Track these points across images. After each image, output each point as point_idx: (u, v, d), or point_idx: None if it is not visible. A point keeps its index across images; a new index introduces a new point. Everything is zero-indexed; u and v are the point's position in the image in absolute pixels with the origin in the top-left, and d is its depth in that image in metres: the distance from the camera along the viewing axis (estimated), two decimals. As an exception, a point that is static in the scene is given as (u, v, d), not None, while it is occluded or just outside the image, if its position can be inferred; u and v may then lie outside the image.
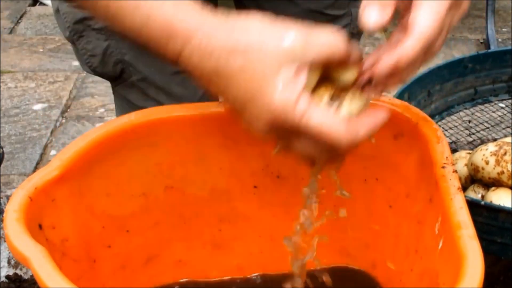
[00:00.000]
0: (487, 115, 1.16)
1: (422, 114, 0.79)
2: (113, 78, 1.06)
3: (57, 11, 1.06)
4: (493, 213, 0.85)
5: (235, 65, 0.66)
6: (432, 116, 1.09)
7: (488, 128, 1.15)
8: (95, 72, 1.06)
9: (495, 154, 0.93)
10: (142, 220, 0.82)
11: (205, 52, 0.67)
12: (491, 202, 0.91)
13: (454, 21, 0.72)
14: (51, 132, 2.25)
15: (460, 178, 0.98)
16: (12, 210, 0.67)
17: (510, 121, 1.15)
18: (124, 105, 1.08)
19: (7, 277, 1.48)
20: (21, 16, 3.03)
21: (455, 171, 0.71)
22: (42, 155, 2.14)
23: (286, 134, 0.67)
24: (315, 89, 0.68)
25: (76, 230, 0.75)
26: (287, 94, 0.65)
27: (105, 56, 1.03)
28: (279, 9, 1.11)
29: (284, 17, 1.10)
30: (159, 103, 1.02)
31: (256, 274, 0.87)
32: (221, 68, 0.67)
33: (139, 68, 1.04)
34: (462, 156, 1.01)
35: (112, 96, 1.14)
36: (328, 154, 0.68)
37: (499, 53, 1.14)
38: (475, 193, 0.96)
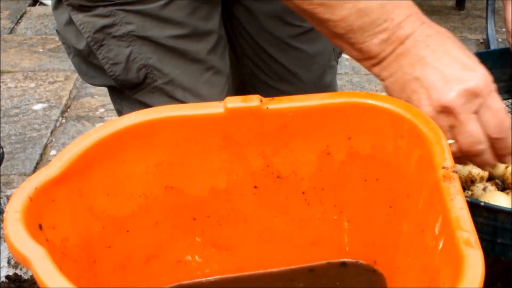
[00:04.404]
0: (487, 115, 1.16)
1: (422, 114, 0.79)
2: (135, 85, 1.05)
3: (69, 22, 1.04)
4: (493, 214, 0.85)
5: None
6: (432, 116, 1.08)
7: (488, 128, 1.15)
8: (117, 80, 1.04)
9: None
10: (142, 220, 0.82)
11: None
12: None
13: None
14: (51, 132, 2.25)
15: (460, 178, 0.98)
16: (12, 211, 0.67)
17: (510, 121, 1.15)
18: None
19: (7, 277, 1.48)
20: (21, 16, 3.03)
21: (455, 172, 0.71)
22: (42, 155, 2.14)
23: (470, 107, 0.79)
24: None
25: (76, 230, 0.75)
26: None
27: (128, 62, 1.02)
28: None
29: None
30: None
31: (256, 274, 0.87)
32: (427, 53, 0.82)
33: (165, 71, 1.03)
34: (462, 156, 1.01)
35: (112, 96, 1.13)
36: (492, 142, 0.81)
37: (499, 53, 1.14)
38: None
